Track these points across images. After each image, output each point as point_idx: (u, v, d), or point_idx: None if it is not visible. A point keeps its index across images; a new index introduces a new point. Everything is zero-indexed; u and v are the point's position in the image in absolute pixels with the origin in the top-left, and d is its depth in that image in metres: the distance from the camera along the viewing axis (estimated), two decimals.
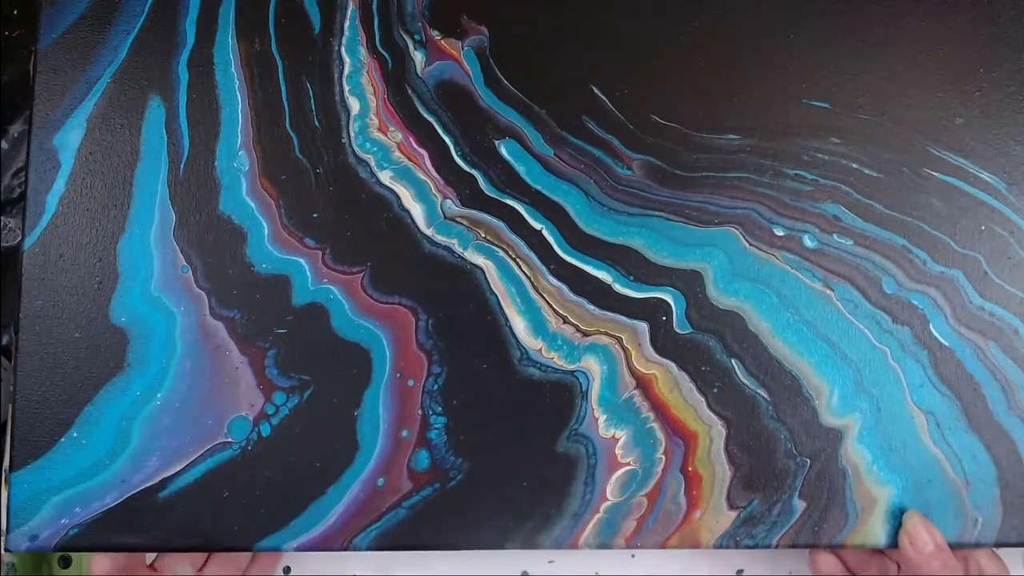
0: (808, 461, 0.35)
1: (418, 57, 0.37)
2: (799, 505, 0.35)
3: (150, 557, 0.37)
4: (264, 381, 0.35)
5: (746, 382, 0.36)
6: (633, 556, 0.42)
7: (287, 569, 0.42)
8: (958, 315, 0.36)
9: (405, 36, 0.37)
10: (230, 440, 0.35)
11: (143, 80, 0.37)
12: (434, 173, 0.36)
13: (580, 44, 0.37)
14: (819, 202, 0.37)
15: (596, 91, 0.37)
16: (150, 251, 0.36)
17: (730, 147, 0.37)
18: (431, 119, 0.37)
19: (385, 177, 0.37)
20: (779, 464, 0.35)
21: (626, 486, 0.35)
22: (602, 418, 0.35)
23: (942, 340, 0.36)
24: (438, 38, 0.37)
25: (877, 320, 0.36)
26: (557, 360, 0.36)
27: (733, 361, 0.36)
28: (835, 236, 0.37)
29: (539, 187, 0.36)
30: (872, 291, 0.36)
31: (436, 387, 0.35)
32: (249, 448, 0.35)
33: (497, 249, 0.36)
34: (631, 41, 0.37)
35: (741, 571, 0.42)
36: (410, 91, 0.37)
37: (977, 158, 0.37)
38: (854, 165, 0.37)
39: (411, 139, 0.37)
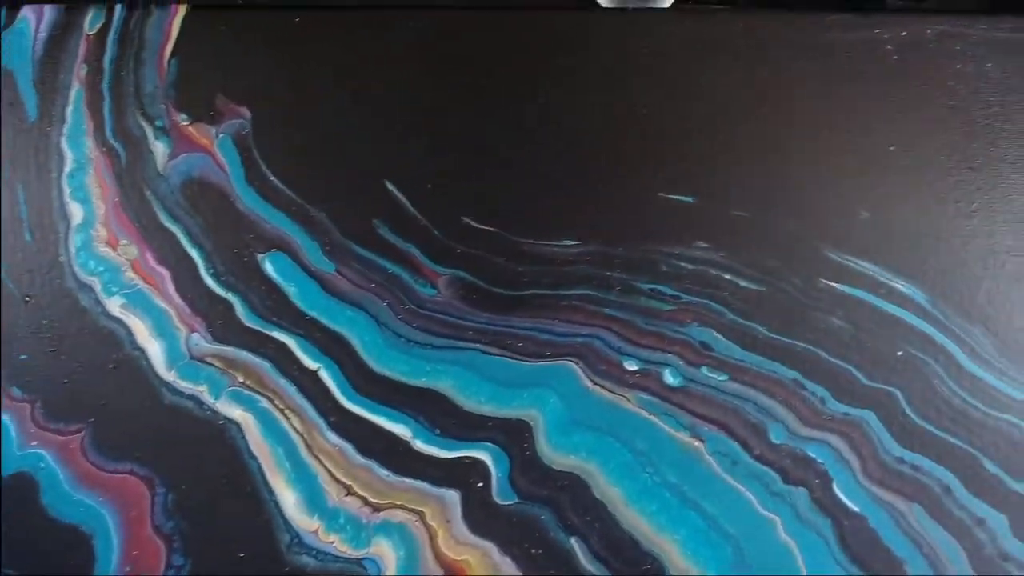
0: None
1: (159, 148, 0.32)
2: None
3: None
4: None
5: (591, 570, 0.29)
6: None
7: None
8: (870, 470, 0.30)
9: (144, 122, 0.32)
10: None
11: None
12: (177, 298, 0.31)
13: (371, 127, 0.32)
14: (683, 325, 0.30)
15: (391, 187, 0.31)
16: None
17: (566, 256, 0.31)
18: (175, 228, 0.31)
19: (114, 305, 0.31)
20: None
21: None
22: None
23: (850, 504, 0.30)
24: (185, 123, 0.32)
25: (763, 480, 0.30)
26: (339, 545, 0.29)
27: (574, 540, 0.29)
28: (704, 370, 0.30)
29: (315, 314, 0.30)
30: (755, 441, 0.30)
31: None
32: None
33: (259, 398, 0.30)
34: (437, 124, 0.32)
35: None
36: (148, 192, 0.31)
37: (889, 263, 0.31)
38: (727, 276, 0.31)
39: (148, 254, 0.31)
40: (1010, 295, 0.33)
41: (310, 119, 0.32)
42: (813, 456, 0.31)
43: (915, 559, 0.31)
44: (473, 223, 0.32)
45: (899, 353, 0.32)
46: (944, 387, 0.32)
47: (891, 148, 0.34)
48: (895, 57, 0.35)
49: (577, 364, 0.32)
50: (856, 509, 0.31)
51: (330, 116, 0.33)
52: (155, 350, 0.31)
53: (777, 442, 0.32)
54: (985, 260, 0.33)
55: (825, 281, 0.33)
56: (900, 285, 0.33)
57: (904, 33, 0.35)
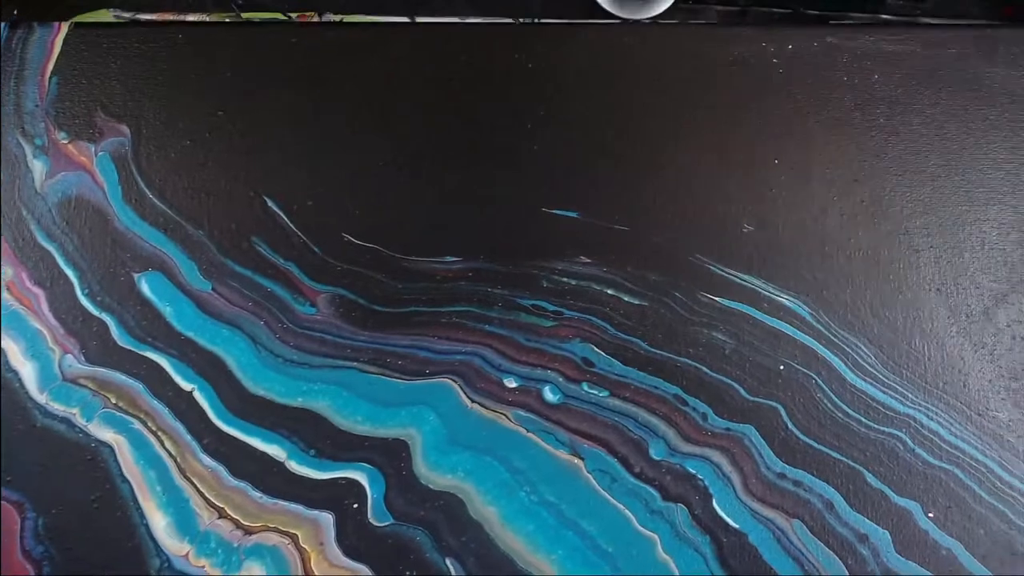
0: None
1: (38, 167, 0.32)
2: None
3: None
4: None
5: None
6: None
7: None
8: (751, 486, 0.30)
9: (23, 140, 0.32)
10: None
11: None
12: (51, 319, 0.31)
13: (250, 144, 0.33)
14: (564, 341, 0.31)
15: (270, 204, 0.31)
16: None
17: (447, 272, 0.31)
18: (50, 247, 0.31)
19: None
20: None
21: None
22: None
23: (730, 521, 0.30)
24: (65, 142, 0.32)
25: (642, 497, 0.30)
26: (209, 569, 0.29)
27: (449, 561, 0.29)
28: (585, 386, 0.30)
29: (191, 334, 0.30)
30: (635, 458, 0.30)
31: None
32: None
33: (132, 420, 0.30)
34: (317, 140, 0.32)
35: None
36: (25, 212, 0.31)
37: (772, 276, 0.31)
38: (610, 291, 0.31)
39: (23, 275, 0.31)
40: (893, 307, 0.33)
41: (189, 136, 0.33)
42: (693, 472, 0.31)
43: None
44: (353, 239, 0.32)
45: (781, 367, 0.32)
46: (827, 401, 0.32)
47: (775, 161, 0.34)
48: (780, 70, 0.35)
49: (456, 382, 0.31)
50: (736, 526, 0.31)
51: (209, 133, 0.33)
52: (28, 372, 0.31)
53: (657, 458, 0.32)
54: (868, 272, 0.33)
55: (707, 295, 0.33)
56: (783, 298, 0.33)
57: (790, 47, 0.36)
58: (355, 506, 0.31)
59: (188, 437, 0.31)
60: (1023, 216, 0.34)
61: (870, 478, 0.32)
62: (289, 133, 0.33)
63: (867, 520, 0.32)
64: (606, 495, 0.31)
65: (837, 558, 0.32)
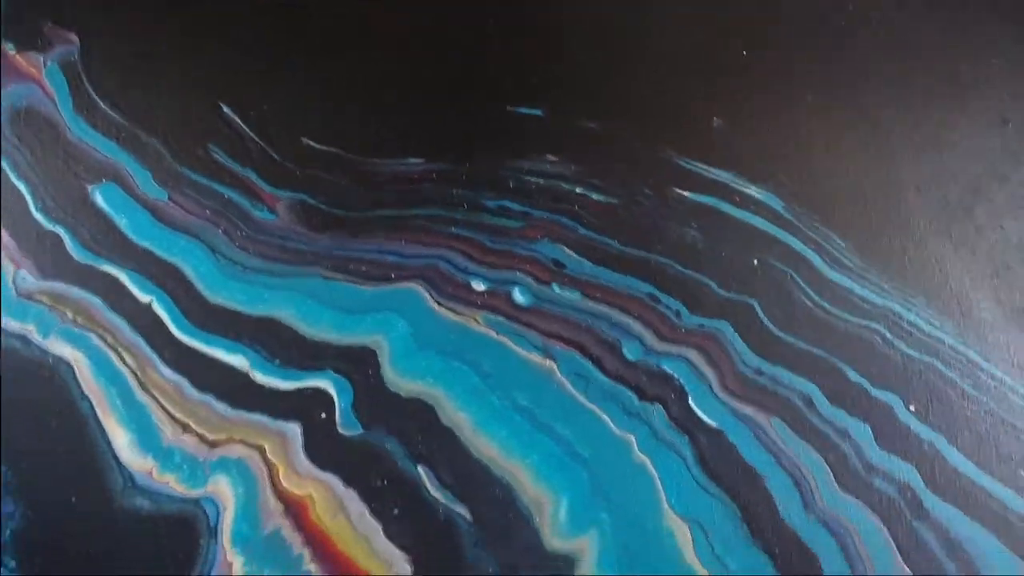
0: None
1: None
2: None
3: None
4: None
5: (439, 496, 0.28)
6: None
7: None
8: (728, 384, 0.29)
9: None
10: None
11: None
12: (4, 236, 0.30)
13: (204, 49, 0.32)
14: (533, 242, 0.30)
15: (226, 110, 0.31)
16: None
17: (411, 175, 0.31)
18: (2, 162, 0.29)
19: None
20: None
21: None
22: (237, 562, 0.28)
23: (707, 419, 0.29)
24: (12, 52, 0.31)
25: (618, 399, 0.29)
26: (174, 484, 0.28)
27: (420, 468, 0.28)
28: (555, 287, 0.30)
29: (147, 244, 0.30)
30: (609, 359, 0.29)
31: (7, 533, 0.28)
32: None
33: (90, 335, 0.29)
34: (273, 43, 0.31)
35: None
36: None
37: (744, 170, 0.31)
38: (578, 189, 0.31)
39: None
40: (867, 197, 0.32)
41: (141, 43, 0.32)
42: (669, 371, 0.31)
43: (776, 474, 0.30)
44: (314, 144, 0.31)
45: (755, 262, 0.32)
46: (803, 295, 0.32)
47: (743, 52, 0.34)
48: None
49: (422, 286, 0.31)
50: (714, 424, 0.30)
51: (161, 39, 0.32)
52: None
53: (632, 359, 0.31)
54: (841, 161, 0.33)
55: (678, 191, 0.32)
56: (754, 191, 0.32)
57: None
58: (323, 416, 0.30)
59: (148, 350, 0.30)
60: (1005, 105, 0.34)
61: (849, 372, 0.32)
62: (244, 35, 0.32)
63: (847, 415, 0.31)
64: (580, 398, 0.31)
65: (818, 454, 0.31)
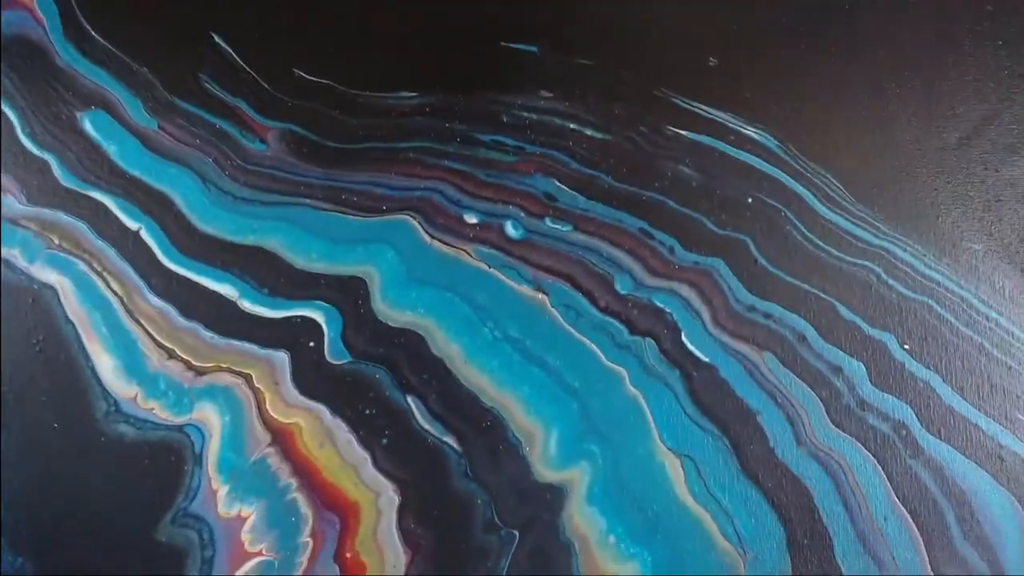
0: (516, 534, 0.27)
1: None
2: None
3: None
4: None
5: (428, 428, 0.28)
6: None
7: None
8: (720, 319, 0.29)
9: None
10: None
11: None
12: None
13: None
14: (526, 176, 0.30)
15: (218, 40, 0.30)
16: None
17: (403, 108, 0.30)
18: None
19: None
20: (476, 540, 0.27)
21: None
22: (223, 490, 0.28)
23: (699, 354, 0.29)
24: None
25: (609, 332, 0.29)
26: (159, 411, 0.28)
27: (410, 399, 0.28)
28: (548, 221, 0.30)
29: (136, 172, 0.30)
30: (601, 293, 0.29)
31: None
32: None
33: (76, 260, 0.29)
34: None
35: None
36: None
37: (739, 109, 0.31)
38: (572, 125, 0.30)
39: None
40: (866, 136, 0.32)
41: None
42: (661, 306, 0.31)
43: (768, 409, 0.30)
44: (305, 75, 0.31)
45: (749, 200, 0.32)
46: (797, 233, 0.32)
47: None
48: None
49: (415, 218, 0.31)
50: (706, 359, 0.30)
51: None
52: None
53: (623, 293, 0.31)
54: (839, 101, 0.33)
55: (673, 129, 0.32)
56: (750, 131, 0.32)
57: None
58: (311, 344, 0.30)
59: (135, 277, 0.30)
60: (999, 47, 0.34)
61: (843, 310, 0.32)
62: None
63: (841, 352, 0.31)
64: (571, 330, 0.31)
65: (811, 390, 0.31)
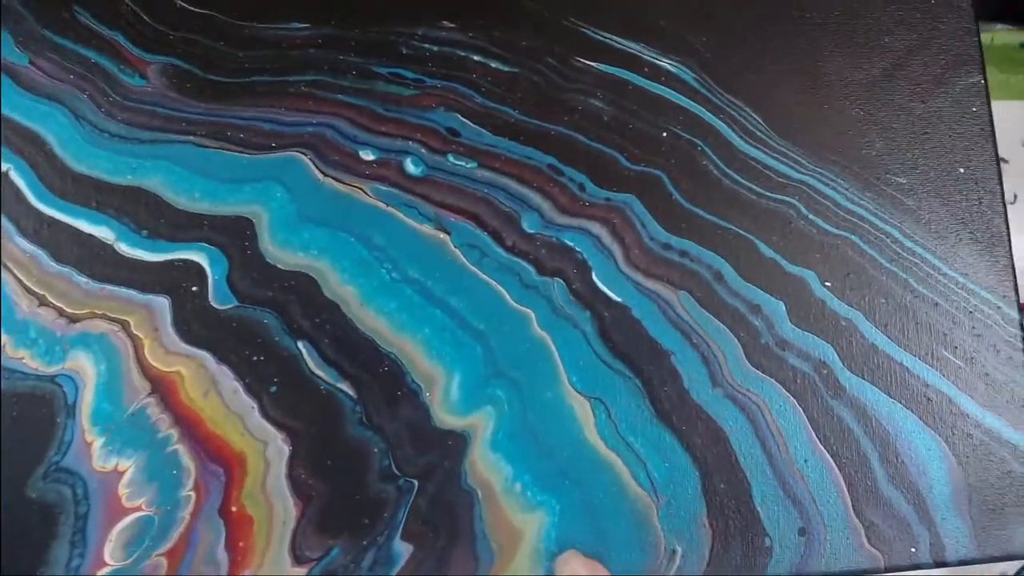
0: (415, 483, 0.27)
1: None
2: (403, 550, 0.28)
3: None
4: None
5: (320, 374, 0.28)
6: None
7: None
8: (633, 258, 0.30)
9: None
10: None
11: None
12: None
13: None
14: (427, 111, 0.30)
15: None
16: None
17: (294, 39, 0.31)
18: None
19: None
20: (372, 490, 0.27)
21: (136, 541, 0.28)
22: (98, 442, 0.28)
23: (611, 294, 0.29)
24: None
25: (515, 271, 0.30)
26: (29, 361, 0.29)
27: (301, 344, 0.28)
28: (451, 157, 0.30)
29: (6, 112, 0.30)
30: (507, 231, 0.30)
31: None
32: None
33: None
34: None
35: None
36: None
37: (652, 38, 0.31)
38: (476, 57, 0.31)
39: None
40: (783, 69, 0.32)
41: None
42: (571, 245, 0.31)
43: (683, 350, 0.30)
44: (188, 6, 0.33)
45: (664, 135, 0.32)
46: (714, 168, 0.32)
47: None
48: None
49: (306, 155, 0.31)
50: (618, 299, 0.31)
51: None
52: None
53: (531, 231, 0.31)
54: (756, 32, 0.32)
55: (583, 60, 0.32)
56: (665, 63, 0.33)
57: None
58: (194, 289, 0.31)
59: (5, 222, 0.31)
60: None
61: (762, 247, 0.32)
62: None
63: (759, 290, 0.32)
64: (475, 270, 0.31)
65: (728, 329, 0.31)
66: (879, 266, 0.32)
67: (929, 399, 0.33)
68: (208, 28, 0.31)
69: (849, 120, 0.32)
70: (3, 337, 0.28)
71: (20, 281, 0.29)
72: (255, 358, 0.28)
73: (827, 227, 0.32)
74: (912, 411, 0.32)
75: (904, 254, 0.34)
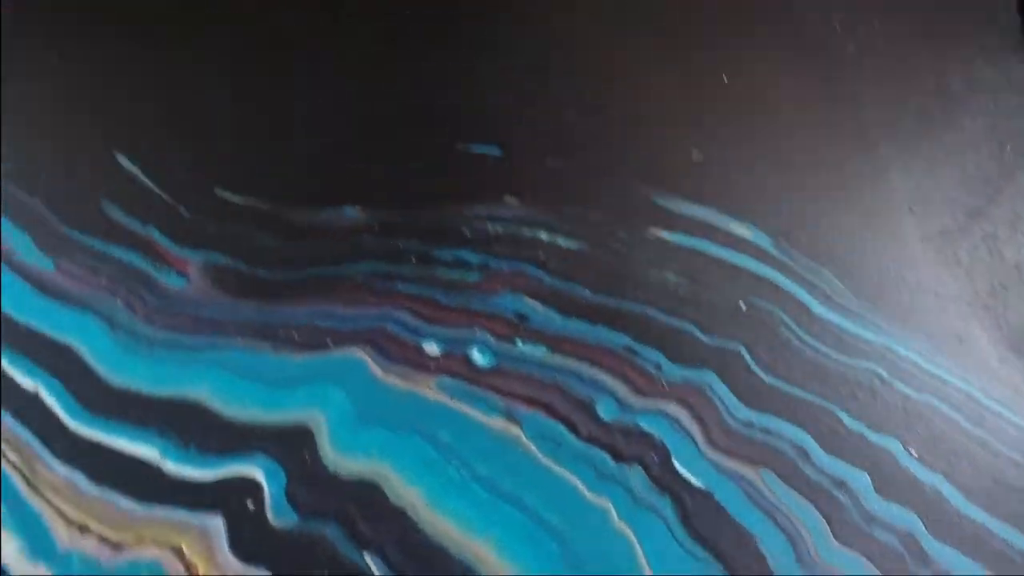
0: None
1: None
2: None
3: None
4: None
5: None
6: None
7: None
8: (714, 438, 0.29)
9: None
10: None
11: None
12: None
13: (92, 89, 0.29)
14: (492, 295, 0.30)
15: (121, 159, 0.28)
16: None
17: (346, 227, 0.29)
18: None
19: None
20: None
21: None
22: None
23: (693, 479, 0.29)
24: None
25: (591, 461, 0.29)
26: None
27: (367, 555, 0.26)
28: (519, 343, 0.29)
29: (30, 322, 0.27)
30: (581, 419, 0.29)
31: None
32: None
33: None
34: (175, 80, 0.29)
35: None
36: None
37: (726, 205, 0.30)
38: (543, 235, 0.30)
39: None
40: (863, 229, 0.31)
41: (17, 81, 0.29)
42: (649, 430, 0.30)
43: (768, 532, 0.30)
44: (229, 196, 0.30)
45: (741, 305, 0.31)
46: (793, 337, 0.32)
47: (724, 79, 0.32)
48: None
49: (366, 352, 0.29)
50: (699, 484, 0.30)
51: (42, 78, 0.29)
52: None
53: (607, 419, 0.30)
54: (832, 193, 0.31)
55: (655, 231, 0.32)
56: (739, 228, 0.32)
57: None
58: (250, 506, 0.28)
59: (36, 444, 0.28)
60: (997, 122, 0.33)
61: (845, 418, 0.31)
62: (141, 72, 0.29)
63: (844, 463, 0.30)
64: (549, 463, 0.30)
65: (813, 507, 0.30)
66: (962, 429, 0.32)
67: (1011, 559, 0.33)
68: (253, 219, 0.29)
69: (925, 277, 0.30)
70: (44, 571, 0.25)
71: (58, 509, 0.26)
72: (319, 573, 0.27)
73: (909, 392, 0.32)
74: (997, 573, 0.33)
75: (985, 414, 0.32)
